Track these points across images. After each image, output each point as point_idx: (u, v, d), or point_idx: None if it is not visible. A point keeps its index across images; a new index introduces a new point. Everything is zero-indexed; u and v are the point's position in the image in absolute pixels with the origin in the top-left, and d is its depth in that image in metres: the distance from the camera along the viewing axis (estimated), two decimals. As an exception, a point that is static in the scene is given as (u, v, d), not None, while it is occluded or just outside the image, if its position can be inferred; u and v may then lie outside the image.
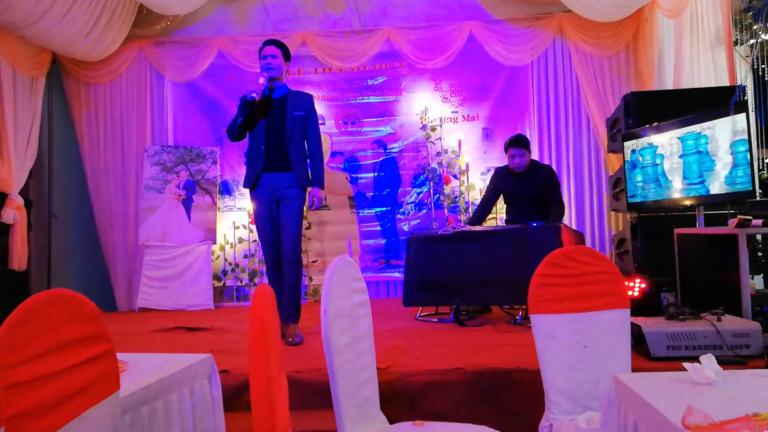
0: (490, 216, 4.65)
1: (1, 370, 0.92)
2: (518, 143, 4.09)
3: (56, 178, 5.29)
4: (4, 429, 0.82)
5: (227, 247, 5.35)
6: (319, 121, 5.47)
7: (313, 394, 2.44)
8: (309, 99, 3.55)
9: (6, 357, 0.94)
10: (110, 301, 5.30)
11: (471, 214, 4.55)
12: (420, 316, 4.01)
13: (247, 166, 3.47)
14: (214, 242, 5.20)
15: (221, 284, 5.33)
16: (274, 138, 3.36)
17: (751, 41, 3.81)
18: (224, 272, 5.33)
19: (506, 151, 4.17)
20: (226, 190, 5.47)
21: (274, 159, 3.35)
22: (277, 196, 3.38)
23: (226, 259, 5.34)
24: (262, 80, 3.31)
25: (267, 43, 3.46)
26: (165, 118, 5.52)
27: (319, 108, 5.52)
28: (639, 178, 3.68)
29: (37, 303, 1.02)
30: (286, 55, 3.51)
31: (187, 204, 5.19)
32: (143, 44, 5.42)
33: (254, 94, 3.24)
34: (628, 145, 3.75)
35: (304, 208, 3.49)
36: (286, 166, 3.36)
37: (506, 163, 4.23)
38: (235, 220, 5.39)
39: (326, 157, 5.47)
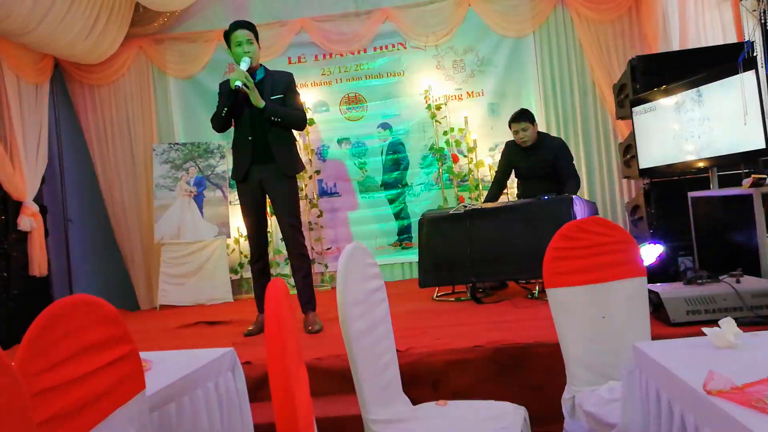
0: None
1: (29, 377, 0.94)
2: (519, 118, 4.06)
3: (69, 183, 5.35)
4: (35, 435, 0.84)
5: (241, 240, 5.39)
6: (323, 108, 5.48)
7: (336, 380, 2.47)
8: (286, 78, 3.30)
9: (33, 363, 0.96)
10: (132, 300, 5.38)
11: (486, 193, 4.51)
12: (437, 296, 4.02)
13: (234, 157, 3.31)
14: (228, 236, 5.24)
15: (238, 277, 5.38)
16: (258, 127, 3.18)
17: (758, -6, 3.71)
18: (240, 265, 5.37)
19: (510, 127, 4.14)
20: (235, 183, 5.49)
21: (259, 150, 3.19)
22: (264, 189, 3.26)
23: (241, 252, 5.38)
24: (244, 65, 3.07)
25: (236, 26, 3.17)
26: (170, 116, 5.54)
27: (322, 95, 5.50)
28: (649, 143, 3.63)
29: (59, 309, 1.04)
30: (257, 36, 3.25)
31: (199, 200, 5.22)
32: (142, 43, 5.42)
33: (237, 82, 3.00)
34: (637, 110, 3.69)
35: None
36: (269, 157, 3.19)
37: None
38: (247, 213, 5.42)
39: (332, 144, 5.47)
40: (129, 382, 1.20)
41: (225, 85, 3.18)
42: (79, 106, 5.43)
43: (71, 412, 1.01)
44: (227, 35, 3.22)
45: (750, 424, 0.90)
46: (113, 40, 5.02)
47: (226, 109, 3.15)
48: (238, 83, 3.02)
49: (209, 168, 5.26)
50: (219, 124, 3.21)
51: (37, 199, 4.70)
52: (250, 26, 3.21)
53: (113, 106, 5.44)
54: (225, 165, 5.29)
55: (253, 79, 3.15)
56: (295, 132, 3.40)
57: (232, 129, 3.32)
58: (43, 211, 4.80)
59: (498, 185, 4.36)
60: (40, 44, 4.54)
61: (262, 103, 3.12)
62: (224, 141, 5.39)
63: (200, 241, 5.13)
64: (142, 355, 1.41)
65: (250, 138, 3.19)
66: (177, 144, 5.31)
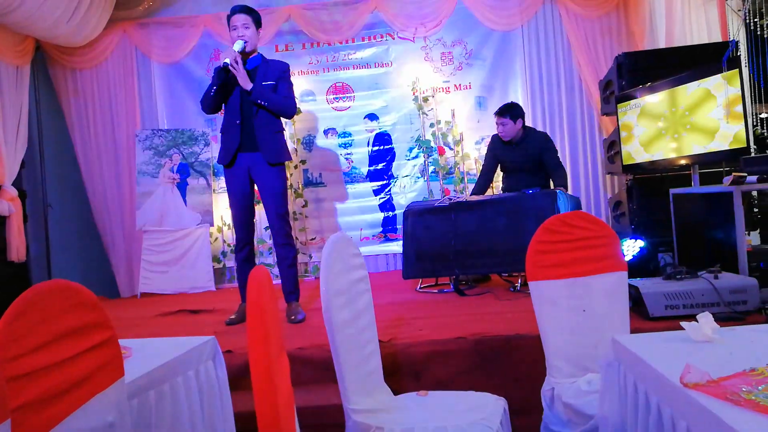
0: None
1: (4, 363, 0.93)
2: (502, 112, 4.09)
3: (49, 168, 5.25)
4: (10, 421, 0.83)
5: (225, 228, 5.35)
6: (309, 97, 5.44)
7: (318, 370, 2.47)
8: (280, 67, 3.30)
9: (8, 349, 0.94)
10: (112, 287, 5.32)
11: (473, 185, 4.53)
12: (420, 287, 4.03)
13: (222, 141, 3.29)
14: (212, 224, 5.19)
15: (221, 266, 5.34)
16: (246, 112, 3.19)
17: (743, -5, 3.75)
18: (223, 254, 5.33)
19: (495, 119, 4.17)
20: (220, 171, 5.43)
21: (246, 135, 3.19)
22: (252, 177, 3.26)
23: (224, 241, 5.34)
24: (237, 46, 3.11)
25: (235, 10, 3.20)
26: (154, 102, 5.45)
27: (309, 84, 5.46)
28: (633, 139, 3.66)
29: (35, 295, 1.02)
30: (258, 23, 3.25)
31: (182, 187, 5.17)
32: (127, 26, 5.32)
33: (225, 60, 3.06)
34: (622, 106, 3.72)
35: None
36: (255, 143, 3.19)
37: (500, 131, 4.22)
38: (231, 201, 5.37)
39: (318, 134, 5.44)
40: (107, 368, 1.18)
41: (218, 68, 3.18)
42: (61, 90, 5.33)
43: (47, 399, 1.00)
44: (228, 19, 3.25)
45: (725, 417, 0.91)
46: (97, 23, 4.91)
47: (215, 88, 3.15)
48: (227, 60, 3.06)
49: (193, 155, 5.20)
50: (208, 104, 3.21)
51: (16, 184, 4.62)
52: (248, 11, 3.21)
53: (95, 90, 5.34)
54: (209, 152, 5.23)
55: (247, 65, 3.18)
56: (282, 120, 3.38)
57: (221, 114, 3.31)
58: (22, 195, 4.72)
59: (485, 178, 4.38)
60: (22, 25, 4.43)
61: (249, 85, 3.13)
62: (209, 128, 5.34)
63: (183, 229, 5.08)
64: (122, 342, 1.40)
65: (237, 122, 3.20)
66: (161, 130, 5.24)
